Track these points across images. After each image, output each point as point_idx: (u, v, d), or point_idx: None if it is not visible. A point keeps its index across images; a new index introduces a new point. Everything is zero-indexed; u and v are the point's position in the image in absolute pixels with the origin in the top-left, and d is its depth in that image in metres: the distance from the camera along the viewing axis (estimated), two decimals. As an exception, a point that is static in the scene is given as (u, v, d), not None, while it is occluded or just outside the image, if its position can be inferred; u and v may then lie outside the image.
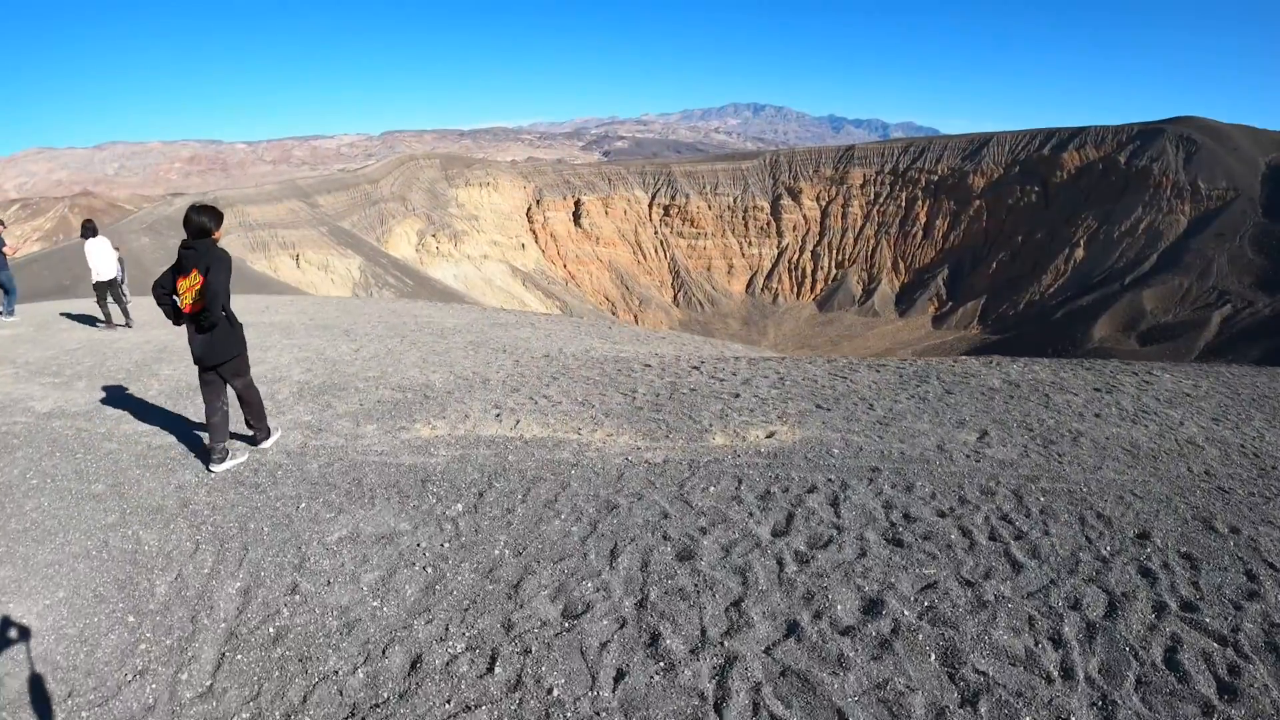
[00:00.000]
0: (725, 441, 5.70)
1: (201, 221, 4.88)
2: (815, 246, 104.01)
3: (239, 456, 5.53)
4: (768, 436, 5.79)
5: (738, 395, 7.09)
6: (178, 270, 4.83)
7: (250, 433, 5.76)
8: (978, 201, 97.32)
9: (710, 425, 6.11)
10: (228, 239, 76.68)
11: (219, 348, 5.12)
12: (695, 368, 8.68)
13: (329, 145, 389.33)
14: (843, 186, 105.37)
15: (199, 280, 4.77)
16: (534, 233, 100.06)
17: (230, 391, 5.50)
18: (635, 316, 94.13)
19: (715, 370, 8.45)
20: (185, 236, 4.85)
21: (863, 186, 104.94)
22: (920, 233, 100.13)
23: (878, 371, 8.22)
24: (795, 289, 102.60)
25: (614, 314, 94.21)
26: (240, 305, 20.16)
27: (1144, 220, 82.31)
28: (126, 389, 7.76)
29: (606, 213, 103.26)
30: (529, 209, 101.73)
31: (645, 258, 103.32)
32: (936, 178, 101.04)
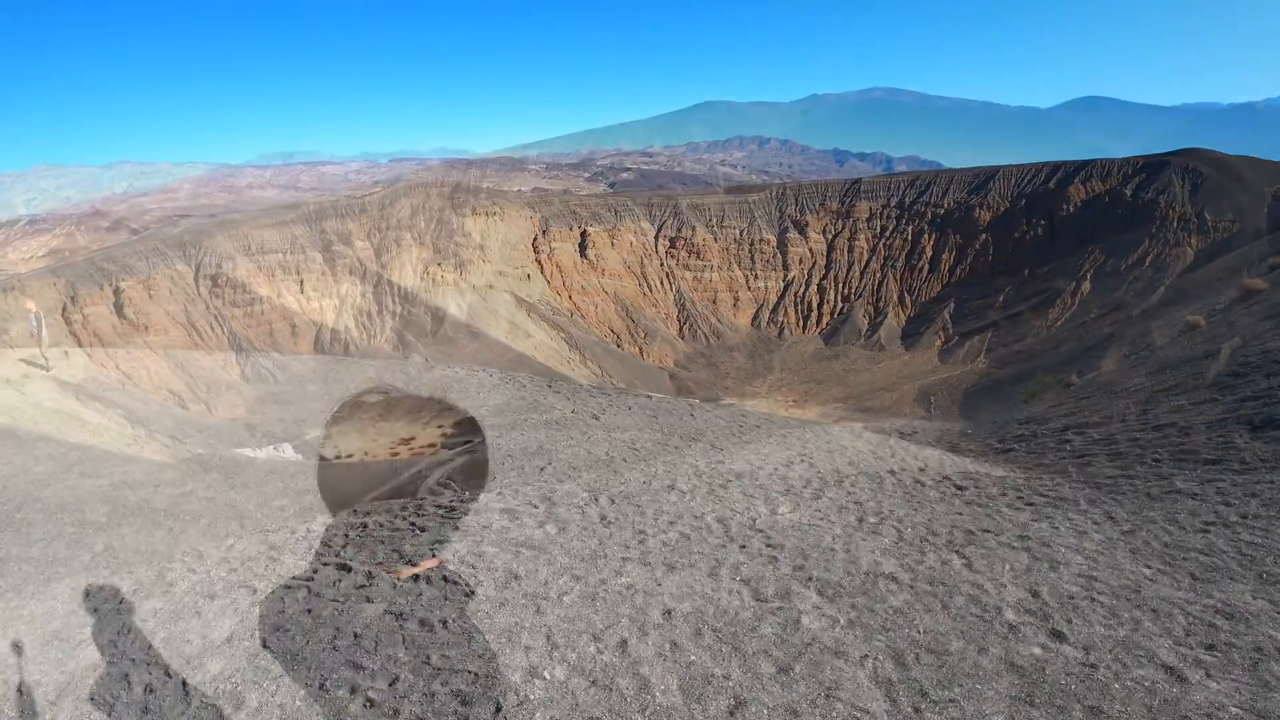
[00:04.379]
0: None
1: None
2: (821, 280, 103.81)
3: None
4: None
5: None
6: None
7: None
8: (984, 235, 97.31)
9: None
10: (232, 264, 76.52)
11: None
12: (1013, 625, 4.43)
13: (337, 171, 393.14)
14: (849, 220, 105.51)
15: None
16: (540, 263, 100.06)
17: None
18: (640, 349, 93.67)
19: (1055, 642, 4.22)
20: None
21: (869, 220, 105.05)
22: (926, 266, 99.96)
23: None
24: (801, 322, 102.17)
25: (619, 346, 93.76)
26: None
27: (1151, 253, 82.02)
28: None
29: (613, 244, 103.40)
30: (535, 239, 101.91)
31: (651, 289, 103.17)
32: (943, 211, 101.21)
